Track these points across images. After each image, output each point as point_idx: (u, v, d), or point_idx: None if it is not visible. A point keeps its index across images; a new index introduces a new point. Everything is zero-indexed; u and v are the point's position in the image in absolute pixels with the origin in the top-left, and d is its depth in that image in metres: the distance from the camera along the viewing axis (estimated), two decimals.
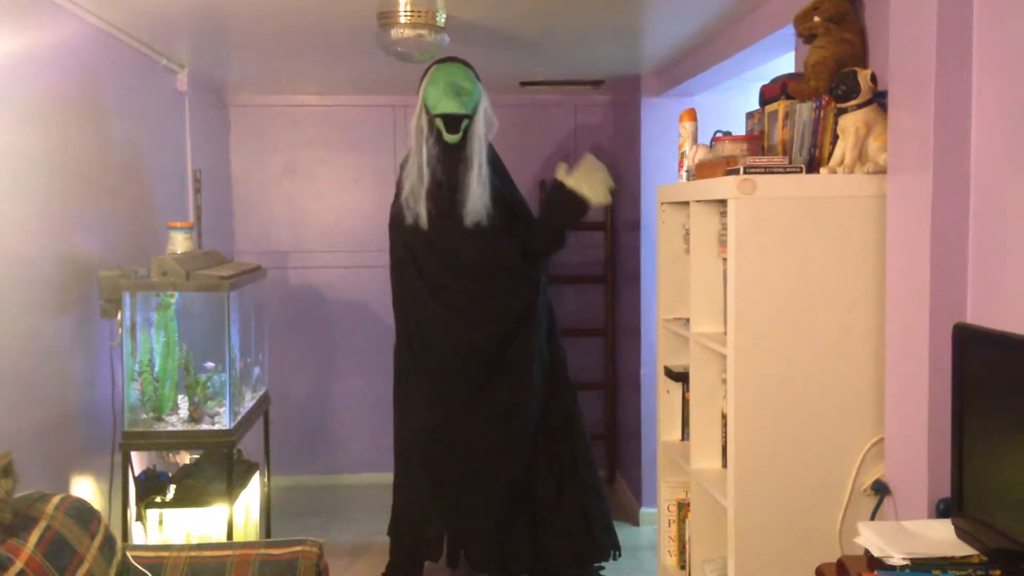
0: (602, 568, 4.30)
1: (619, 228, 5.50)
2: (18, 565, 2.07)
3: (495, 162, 4.02)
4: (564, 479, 4.04)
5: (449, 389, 3.96)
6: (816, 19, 2.61)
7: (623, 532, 4.84)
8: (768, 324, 2.46)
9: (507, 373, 3.96)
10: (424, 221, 3.85)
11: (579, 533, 4.02)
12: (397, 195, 4.03)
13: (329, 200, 5.62)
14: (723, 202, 2.66)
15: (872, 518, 2.41)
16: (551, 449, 4.03)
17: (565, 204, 3.92)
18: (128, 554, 2.56)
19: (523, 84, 5.16)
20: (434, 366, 3.97)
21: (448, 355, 3.94)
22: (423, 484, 4.00)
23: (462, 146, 3.87)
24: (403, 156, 4.05)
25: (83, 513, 2.38)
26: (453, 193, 3.88)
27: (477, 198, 3.85)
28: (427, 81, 3.91)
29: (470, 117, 3.87)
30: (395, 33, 3.37)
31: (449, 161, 3.88)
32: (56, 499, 2.34)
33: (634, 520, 4.99)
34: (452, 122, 3.85)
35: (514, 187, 4.12)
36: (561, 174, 3.92)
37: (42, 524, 2.23)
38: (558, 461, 4.04)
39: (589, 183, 3.88)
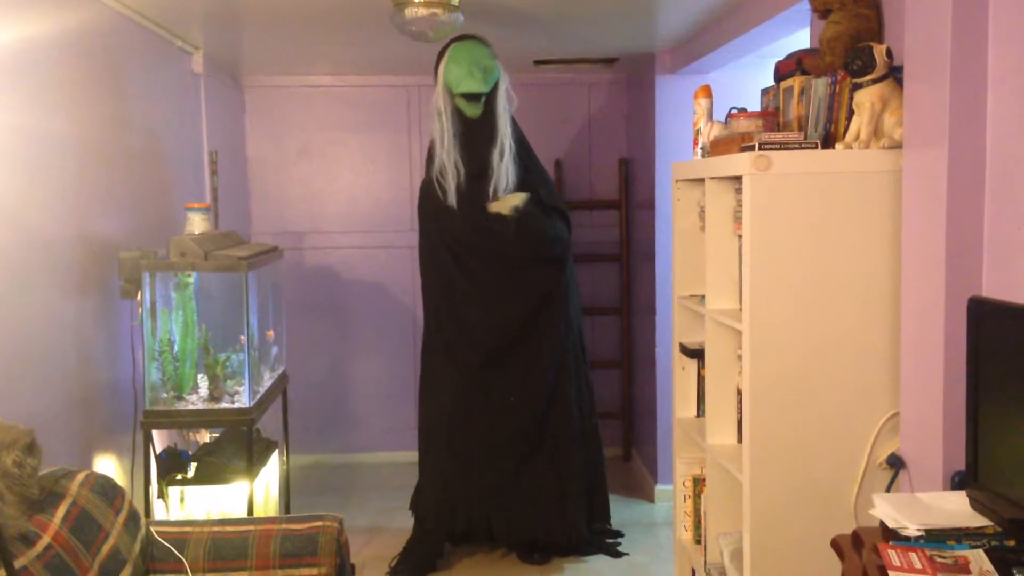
0: (618, 544, 4.34)
1: (634, 206, 5.50)
2: (45, 540, 2.11)
3: (521, 141, 4.09)
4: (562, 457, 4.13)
5: (474, 368, 4.04)
6: None
7: (639, 509, 4.89)
8: (783, 300, 2.46)
9: (529, 350, 4.04)
10: (453, 199, 3.92)
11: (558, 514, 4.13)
12: (426, 180, 4.08)
13: (345, 181, 5.64)
14: (738, 179, 2.66)
15: (887, 491, 2.42)
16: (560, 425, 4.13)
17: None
18: (152, 529, 2.60)
19: (537, 63, 5.15)
20: (461, 346, 4.05)
21: (476, 335, 4.03)
22: (447, 461, 4.06)
23: (485, 123, 3.92)
24: (429, 141, 4.09)
25: (108, 489, 2.43)
26: (479, 171, 3.94)
27: (502, 176, 3.91)
28: (447, 59, 3.94)
29: (490, 95, 3.92)
30: (409, 12, 3.38)
31: (473, 139, 3.93)
32: (81, 476, 2.39)
33: (650, 497, 5.01)
34: (473, 99, 3.91)
35: (536, 165, 4.17)
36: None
37: (68, 500, 2.27)
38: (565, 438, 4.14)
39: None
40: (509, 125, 3.97)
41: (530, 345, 4.04)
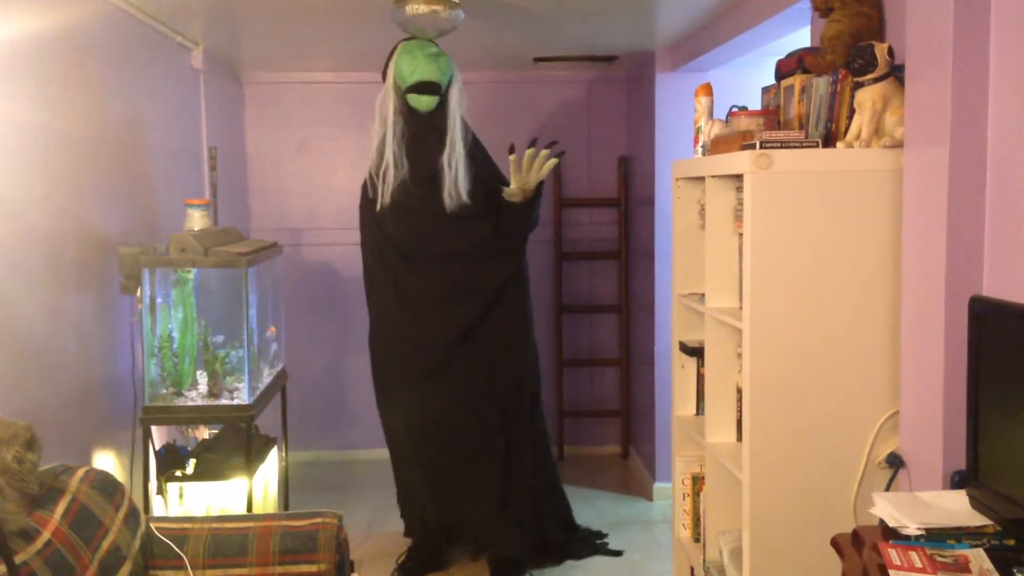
0: (607, 543, 4.30)
1: (633, 204, 5.51)
2: (45, 536, 2.11)
3: (475, 141, 3.94)
4: (519, 464, 4.01)
5: (427, 372, 3.90)
6: None
7: (637, 507, 4.90)
8: (784, 298, 2.46)
9: (489, 351, 3.91)
10: (386, 202, 3.75)
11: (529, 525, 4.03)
12: (369, 178, 3.93)
13: (343, 177, 5.64)
14: (739, 177, 2.66)
15: (887, 490, 2.43)
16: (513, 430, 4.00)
17: (516, 215, 3.89)
18: (152, 525, 2.60)
19: (537, 60, 5.15)
20: (415, 349, 3.91)
21: (429, 337, 3.89)
22: (416, 472, 3.99)
23: (434, 123, 3.75)
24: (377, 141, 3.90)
25: (107, 485, 2.42)
26: (428, 174, 3.77)
27: (456, 179, 3.74)
28: (397, 56, 3.77)
29: (444, 93, 3.76)
30: (411, 9, 3.39)
31: (420, 139, 3.76)
32: (81, 472, 2.38)
33: (648, 495, 5.02)
34: (428, 90, 3.74)
35: (489, 162, 4.02)
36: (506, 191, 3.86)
37: (68, 496, 2.27)
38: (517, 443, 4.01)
39: (521, 184, 3.82)
40: (460, 126, 3.79)
41: (489, 342, 3.90)
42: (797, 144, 2.47)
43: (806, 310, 2.47)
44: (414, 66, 3.71)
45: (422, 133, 3.76)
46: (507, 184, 3.91)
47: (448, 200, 3.75)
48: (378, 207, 3.80)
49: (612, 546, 4.31)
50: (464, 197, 3.75)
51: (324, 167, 5.63)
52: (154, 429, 3.48)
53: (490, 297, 3.90)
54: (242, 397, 3.48)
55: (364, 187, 3.97)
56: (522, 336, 4.01)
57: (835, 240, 2.46)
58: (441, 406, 3.89)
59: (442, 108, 3.77)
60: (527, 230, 3.97)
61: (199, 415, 3.47)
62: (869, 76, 2.41)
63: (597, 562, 4.17)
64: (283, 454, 4.20)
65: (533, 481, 4.02)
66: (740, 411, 2.78)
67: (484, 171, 3.93)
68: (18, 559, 1.97)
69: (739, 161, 2.53)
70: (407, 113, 3.76)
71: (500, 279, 3.92)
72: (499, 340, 3.93)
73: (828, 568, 2.25)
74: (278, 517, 2.75)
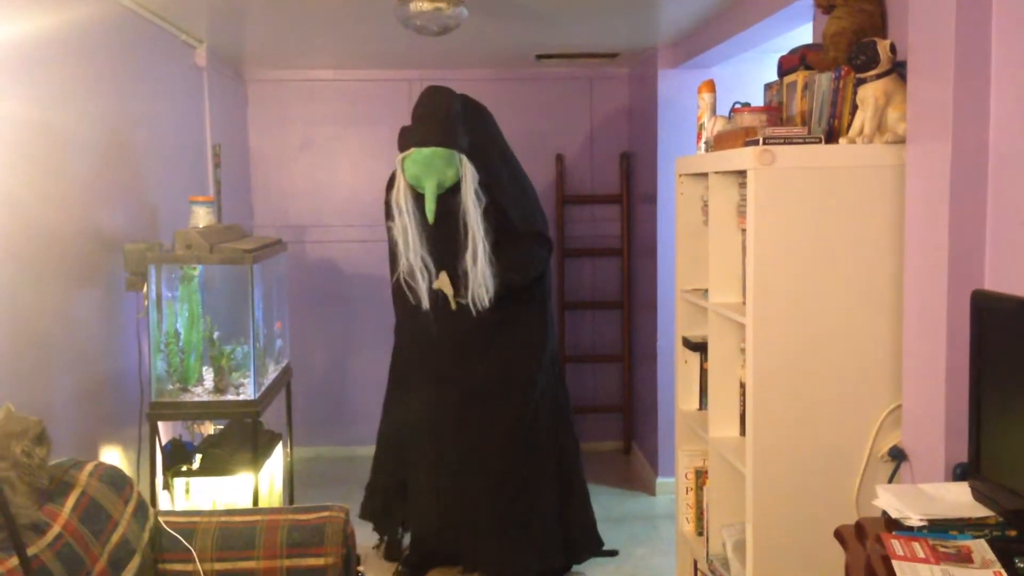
0: (602, 543, 4.26)
1: (635, 200, 5.52)
2: (56, 529, 2.13)
3: (499, 171, 3.81)
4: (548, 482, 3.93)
5: (442, 372, 3.87)
6: None
7: (640, 502, 4.92)
8: (786, 293, 2.48)
9: (503, 357, 3.85)
10: (426, 302, 3.75)
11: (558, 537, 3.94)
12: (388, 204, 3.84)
13: (346, 174, 5.66)
14: (742, 173, 2.67)
15: (889, 483, 2.44)
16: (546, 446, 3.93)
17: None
18: (160, 519, 2.62)
19: (539, 57, 5.16)
20: (429, 349, 3.88)
21: (441, 336, 3.84)
22: (423, 475, 3.94)
23: (453, 221, 3.67)
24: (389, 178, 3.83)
25: (116, 479, 2.45)
26: (449, 265, 3.72)
27: (479, 284, 3.68)
28: (406, 162, 3.64)
29: (459, 193, 3.65)
30: (414, 6, 3.40)
31: (441, 237, 3.71)
32: (90, 466, 2.40)
33: (650, 490, 5.04)
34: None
35: (519, 189, 3.92)
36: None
37: (77, 490, 2.29)
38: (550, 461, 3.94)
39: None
40: (481, 224, 3.66)
41: (504, 347, 3.84)
42: (800, 140, 2.49)
43: (809, 305, 2.48)
44: (415, 182, 3.63)
45: (439, 229, 3.67)
46: (527, 211, 3.88)
47: (471, 305, 3.69)
48: (411, 302, 3.79)
49: (613, 543, 4.29)
50: (487, 303, 3.69)
51: (327, 164, 5.65)
52: (160, 424, 3.50)
53: (508, 301, 3.81)
54: (247, 393, 3.50)
55: (390, 181, 3.85)
56: (538, 343, 3.91)
57: (838, 235, 2.47)
58: (455, 407, 3.84)
59: (456, 209, 3.66)
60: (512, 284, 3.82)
61: (205, 411, 3.50)
62: (871, 72, 2.42)
63: (599, 562, 4.14)
64: (288, 449, 4.22)
65: (549, 496, 3.91)
66: (743, 405, 2.79)
67: (505, 194, 3.80)
68: (30, 552, 1.99)
69: (742, 157, 2.55)
70: (422, 210, 3.68)
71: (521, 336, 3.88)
72: (515, 344, 3.86)
73: (831, 560, 2.27)
74: (285, 511, 2.76)
